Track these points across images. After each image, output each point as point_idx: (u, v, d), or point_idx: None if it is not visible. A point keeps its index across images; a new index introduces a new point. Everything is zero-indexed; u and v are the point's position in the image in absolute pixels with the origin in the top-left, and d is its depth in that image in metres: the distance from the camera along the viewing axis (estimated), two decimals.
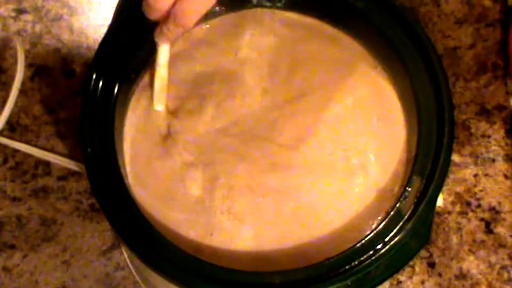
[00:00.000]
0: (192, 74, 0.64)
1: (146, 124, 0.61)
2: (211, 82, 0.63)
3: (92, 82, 0.57)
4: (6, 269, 0.69)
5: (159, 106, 0.61)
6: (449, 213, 0.71)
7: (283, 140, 0.61)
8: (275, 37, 0.65)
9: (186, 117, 0.61)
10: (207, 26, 0.65)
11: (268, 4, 0.65)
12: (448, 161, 0.55)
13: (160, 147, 0.61)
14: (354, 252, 0.52)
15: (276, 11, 0.66)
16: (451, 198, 0.71)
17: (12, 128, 0.73)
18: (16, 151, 0.72)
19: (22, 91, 0.73)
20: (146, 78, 0.63)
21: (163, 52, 0.60)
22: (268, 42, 0.65)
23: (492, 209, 0.71)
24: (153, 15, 0.56)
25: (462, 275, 0.69)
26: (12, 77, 0.72)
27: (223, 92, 0.62)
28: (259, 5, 0.65)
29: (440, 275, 0.69)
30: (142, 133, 0.61)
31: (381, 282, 0.52)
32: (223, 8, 0.65)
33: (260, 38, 0.65)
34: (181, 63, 0.64)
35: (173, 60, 0.62)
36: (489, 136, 0.73)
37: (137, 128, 0.61)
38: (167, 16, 0.55)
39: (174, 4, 0.54)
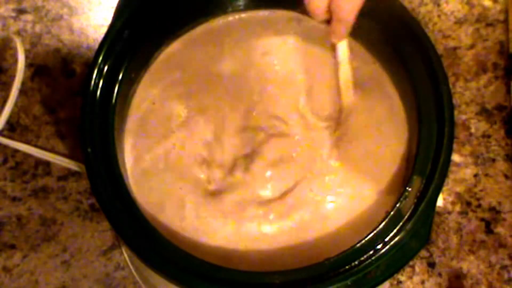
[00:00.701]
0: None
1: (148, 123, 0.62)
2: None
3: (92, 82, 0.57)
4: (6, 269, 0.69)
5: (347, 100, 0.62)
6: (449, 213, 0.71)
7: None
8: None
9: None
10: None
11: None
12: (448, 161, 0.55)
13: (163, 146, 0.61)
14: (354, 252, 0.52)
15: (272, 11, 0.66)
16: (451, 198, 0.71)
17: (12, 128, 0.73)
18: (16, 151, 0.72)
19: (22, 91, 0.73)
20: (146, 78, 0.63)
21: (340, 49, 0.61)
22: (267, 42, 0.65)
23: (492, 209, 0.71)
24: (318, 18, 0.57)
25: (462, 275, 0.69)
26: (12, 77, 0.72)
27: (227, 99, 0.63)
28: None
29: (440, 275, 0.69)
30: (144, 132, 0.61)
31: (381, 282, 0.52)
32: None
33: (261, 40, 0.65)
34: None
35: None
36: (489, 136, 0.73)
37: (139, 127, 0.62)
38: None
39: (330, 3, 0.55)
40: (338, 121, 0.62)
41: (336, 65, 0.62)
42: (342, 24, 0.57)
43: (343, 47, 0.60)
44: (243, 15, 0.66)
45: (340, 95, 0.62)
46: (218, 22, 0.66)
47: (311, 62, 0.64)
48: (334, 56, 0.61)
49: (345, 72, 0.61)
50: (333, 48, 0.61)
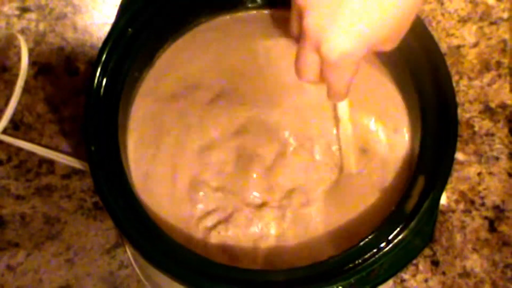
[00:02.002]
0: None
1: (151, 123, 0.62)
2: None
3: (96, 80, 0.57)
4: (10, 268, 0.69)
5: (352, 166, 0.60)
6: (453, 211, 0.71)
7: (288, 140, 0.61)
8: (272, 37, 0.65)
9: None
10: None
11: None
12: (451, 160, 0.54)
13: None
14: (358, 251, 0.52)
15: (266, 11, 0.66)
16: (455, 197, 0.71)
17: (16, 126, 0.73)
18: (20, 149, 0.72)
19: (26, 90, 0.73)
20: (150, 76, 0.63)
21: (340, 107, 0.58)
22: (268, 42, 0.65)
23: (496, 207, 0.71)
24: (313, 85, 0.54)
25: (466, 274, 0.69)
26: (16, 76, 0.72)
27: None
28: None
29: (444, 273, 0.70)
30: (147, 131, 0.61)
31: (384, 280, 0.52)
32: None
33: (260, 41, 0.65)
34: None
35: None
36: (492, 135, 0.73)
37: (142, 126, 0.62)
38: None
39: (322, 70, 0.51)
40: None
41: (336, 121, 0.59)
42: (335, 93, 0.54)
43: (343, 106, 0.58)
44: (247, 13, 0.66)
45: (341, 155, 0.60)
46: (223, 19, 0.65)
47: None
48: (334, 111, 0.59)
49: (346, 130, 0.59)
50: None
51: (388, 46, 0.51)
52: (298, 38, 0.51)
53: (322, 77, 0.52)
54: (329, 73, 0.50)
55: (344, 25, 0.46)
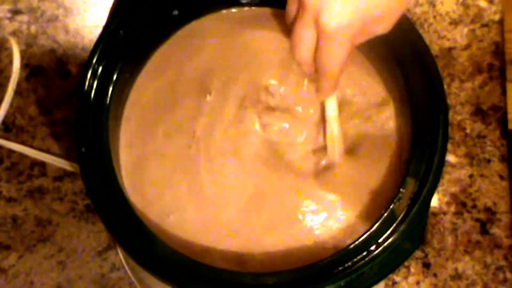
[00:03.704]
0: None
1: (143, 124, 0.62)
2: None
3: (87, 83, 0.57)
4: (1, 270, 0.69)
5: (332, 158, 0.60)
6: (445, 213, 0.71)
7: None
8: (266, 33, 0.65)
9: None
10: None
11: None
12: (442, 163, 0.55)
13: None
14: (348, 254, 0.52)
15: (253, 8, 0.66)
16: (446, 199, 0.71)
17: (8, 128, 0.73)
18: (11, 151, 0.72)
19: (18, 92, 0.73)
20: (141, 77, 0.63)
21: (328, 106, 0.58)
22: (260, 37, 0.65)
23: (487, 209, 0.71)
24: (306, 69, 0.56)
25: (457, 276, 0.70)
26: (8, 78, 0.72)
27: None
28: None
29: (435, 275, 0.70)
30: (139, 134, 0.61)
31: (374, 283, 0.52)
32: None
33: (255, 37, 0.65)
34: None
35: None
36: (484, 137, 0.73)
37: (134, 128, 0.61)
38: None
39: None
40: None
41: (323, 121, 0.60)
42: (326, 80, 0.55)
43: (331, 104, 0.58)
44: (236, 12, 0.66)
45: (327, 151, 0.60)
46: (214, 19, 0.65)
47: None
48: (322, 111, 0.60)
49: (333, 130, 0.59)
50: (322, 104, 0.59)
51: (381, 28, 0.53)
52: (293, 21, 0.53)
53: (314, 62, 0.54)
54: (324, 48, 0.52)
55: None
